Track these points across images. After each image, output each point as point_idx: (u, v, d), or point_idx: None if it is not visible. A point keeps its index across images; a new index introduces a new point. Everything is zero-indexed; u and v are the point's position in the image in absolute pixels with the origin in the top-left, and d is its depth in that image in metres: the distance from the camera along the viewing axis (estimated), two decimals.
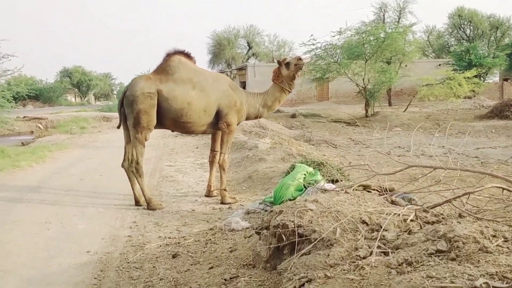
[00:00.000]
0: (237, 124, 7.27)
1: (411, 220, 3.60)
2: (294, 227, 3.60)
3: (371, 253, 3.12)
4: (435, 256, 2.88)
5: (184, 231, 5.59)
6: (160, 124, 6.86)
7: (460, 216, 3.76)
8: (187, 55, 7.03)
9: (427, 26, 48.87)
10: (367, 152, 13.61)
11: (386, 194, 5.75)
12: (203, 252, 4.68)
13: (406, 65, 30.79)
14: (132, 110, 6.60)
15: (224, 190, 7.13)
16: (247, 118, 7.43)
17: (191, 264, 4.37)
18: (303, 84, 30.11)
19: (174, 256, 4.61)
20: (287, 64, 7.12)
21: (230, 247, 4.64)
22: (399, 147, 16.90)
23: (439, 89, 26.18)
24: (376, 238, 3.33)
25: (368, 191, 5.76)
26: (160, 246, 5.03)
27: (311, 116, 28.37)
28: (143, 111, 6.57)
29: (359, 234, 3.42)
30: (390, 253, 3.06)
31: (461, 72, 27.70)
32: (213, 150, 7.59)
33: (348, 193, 4.35)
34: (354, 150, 15.38)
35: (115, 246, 5.14)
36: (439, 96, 26.46)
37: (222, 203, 7.08)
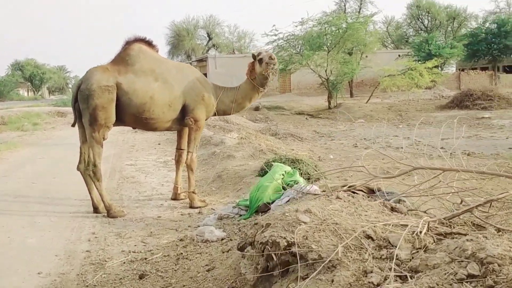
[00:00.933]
0: (205, 120, 6.62)
1: (420, 232, 3.09)
2: (287, 244, 3.02)
3: (385, 278, 2.58)
4: (467, 282, 2.37)
5: (150, 243, 4.93)
6: (119, 120, 6.14)
7: (475, 225, 3.28)
8: (149, 43, 6.32)
9: (386, 17, 49.44)
10: (353, 149, 13.23)
11: (373, 195, 5.28)
12: (175, 270, 4.04)
13: (366, 56, 30.77)
14: (88, 106, 5.85)
15: (193, 192, 6.49)
16: (215, 114, 6.79)
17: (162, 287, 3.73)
18: None
19: (141, 277, 3.95)
20: (260, 60, 6.38)
21: (206, 264, 4.02)
22: (364, 139, 16.54)
23: (401, 80, 26.23)
24: (386, 258, 2.80)
25: (353, 192, 5.29)
26: (124, 263, 4.36)
27: (274, 108, 27.97)
28: (100, 107, 5.83)
29: (365, 253, 2.88)
30: (408, 278, 2.53)
31: (422, 62, 27.80)
32: (179, 148, 6.92)
33: (341, 199, 3.80)
34: (320, 143, 15.01)
35: (71, 265, 4.42)
36: (401, 86, 26.53)
37: (191, 207, 6.44)
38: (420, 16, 44.99)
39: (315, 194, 4.84)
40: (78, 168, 6.20)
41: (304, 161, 7.29)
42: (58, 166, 9.87)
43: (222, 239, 4.65)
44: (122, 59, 6.10)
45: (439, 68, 34.36)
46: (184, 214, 6.14)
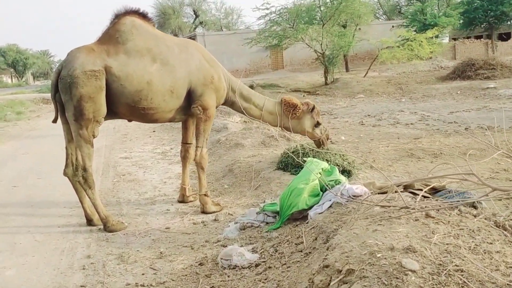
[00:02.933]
0: (216, 108, 5.49)
1: None
2: None
3: None
4: None
5: (162, 270, 3.86)
6: (111, 113, 4.99)
7: None
8: (143, 16, 5.12)
9: None
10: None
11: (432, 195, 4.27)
12: None
13: (359, 28, 29.54)
14: (71, 97, 4.69)
15: (205, 195, 5.40)
16: (225, 103, 5.71)
17: None
18: (258, 52, 28.41)
19: None
20: (312, 110, 5.89)
21: None
22: (368, 115, 15.64)
23: (400, 52, 25.06)
24: None
25: (412, 193, 4.25)
26: None
27: (269, 86, 26.77)
28: (86, 97, 4.67)
29: None
30: None
31: (422, 32, 26.64)
32: (185, 142, 5.82)
33: (433, 217, 2.75)
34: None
35: None
36: (401, 59, 25.38)
37: (203, 212, 5.37)
38: None
39: (374, 204, 3.81)
40: (65, 173, 5.07)
41: (330, 149, 6.23)
42: (44, 163, 8.72)
43: (256, 265, 3.59)
44: (111, 37, 4.91)
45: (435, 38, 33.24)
46: (197, 222, 5.06)
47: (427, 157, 7.80)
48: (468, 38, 42.11)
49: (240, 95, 5.66)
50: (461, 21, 36.15)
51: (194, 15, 48.20)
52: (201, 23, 48.18)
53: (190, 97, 5.22)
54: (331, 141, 9.85)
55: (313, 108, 5.90)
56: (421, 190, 4.24)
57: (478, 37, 42.41)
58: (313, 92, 24.51)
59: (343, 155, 6.31)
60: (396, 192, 4.16)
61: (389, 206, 3.13)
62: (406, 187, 4.25)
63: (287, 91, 25.83)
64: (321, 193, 4.40)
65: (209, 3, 49.06)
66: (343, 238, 2.71)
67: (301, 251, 3.47)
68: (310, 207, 4.31)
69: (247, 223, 4.72)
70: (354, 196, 4.09)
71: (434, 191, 4.28)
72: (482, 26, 38.65)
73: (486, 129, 10.38)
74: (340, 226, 3.36)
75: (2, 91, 40.23)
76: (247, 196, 5.80)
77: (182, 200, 5.87)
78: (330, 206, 4.17)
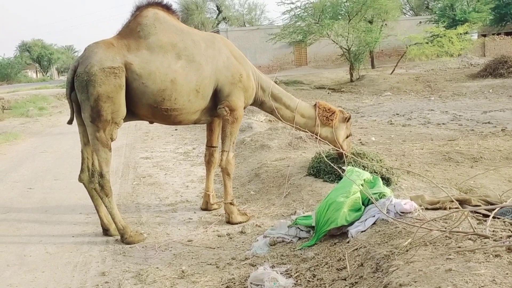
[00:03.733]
0: (244, 108, 5.03)
1: None
2: None
3: None
4: None
5: None
6: (131, 114, 4.57)
7: None
8: (167, 8, 4.67)
9: None
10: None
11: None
12: None
13: (386, 24, 28.72)
14: (88, 96, 4.28)
15: (231, 204, 4.95)
16: (254, 103, 5.24)
17: None
18: (281, 48, 27.88)
19: None
20: (348, 120, 5.50)
21: None
22: (397, 114, 15.08)
23: (430, 48, 24.23)
24: None
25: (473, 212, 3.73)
26: None
27: (292, 83, 26.25)
28: (104, 97, 4.26)
29: None
30: None
31: (452, 28, 25.72)
32: (210, 145, 5.38)
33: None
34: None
35: None
36: (430, 55, 24.54)
37: (228, 222, 4.93)
38: None
39: (422, 220, 3.31)
40: (80, 179, 4.67)
41: (366, 154, 5.72)
42: (62, 163, 8.40)
43: None
44: (132, 31, 4.49)
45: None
46: (222, 235, 4.62)
47: (466, 161, 7.25)
48: (498, 34, 40.81)
49: (271, 94, 5.18)
50: (492, 17, 34.94)
51: (217, 11, 47.84)
52: (224, 18, 47.80)
53: (217, 97, 4.77)
54: (361, 143, 9.34)
55: (349, 118, 5.42)
56: (479, 205, 3.74)
57: (508, 34, 41.05)
58: (338, 89, 23.90)
59: (380, 160, 5.81)
60: (450, 208, 3.67)
61: (456, 233, 2.62)
62: (462, 202, 3.74)
63: (311, 88, 25.30)
64: (363, 207, 3.91)
65: None
66: (404, 275, 2.23)
67: (345, 280, 3.00)
68: (350, 223, 3.84)
69: (277, 237, 4.26)
70: (402, 212, 3.59)
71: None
72: None
73: None
74: (392, 252, 2.87)
75: (27, 86, 40.46)
76: (276, 205, 5.33)
77: (206, 207, 5.44)
78: (374, 223, 3.69)
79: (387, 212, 3.61)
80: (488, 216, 3.43)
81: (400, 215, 3.58)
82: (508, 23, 37.67)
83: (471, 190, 5.81)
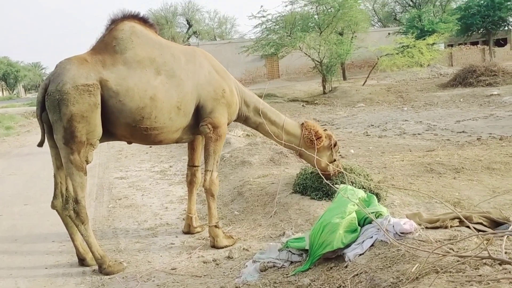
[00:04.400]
0: (227, 125, 4.78)
1: None
2: None
3: None
4: None
5: None
6: (108, 134, 4.27)
7: None
8: (144, 21, 4.42)
9: None
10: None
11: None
12: None
13: (356, 36, 29.05)
14: (61, 116, 3.96)
15: (216, 227, 4.67)
16: (237, 119, 5.00)
17: None
18: (254, 61, 27.77)
19: None
20: (334, 146, 5.28)
21: None
22: (372, 125, 15.12)
23: (400, 59, 24.54)
24: None
25: (468, 227, 3.55)
26: None
27: (266, 96, 26.10)
28: (78, 117, 3.95)
29: None
30: None
31: (422, 39, 26.14)
32: (191, 165, 5.09)
33: None
34: None
35: None
36: (401, 66, 24.84)
37: (214, 246, 4.65)
38: None
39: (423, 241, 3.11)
40: (53, 206, 4.32)
41: (353, 169, 5.53)
42: (33, 186, 7.96)
43: None
44: (107, 46, 4.20)
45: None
46: (208, 261, 4.33)
47: (448, 172, 7.17)
48: (464, 44, 41.84)
49: (255, 109, 4.95)
50: (458, 27, 35.80)
51: (188, 25, 47.64)
52: (194, 32, 47.61)
53: (199, 114, 4.51)
54: (341, 155, 9.20)
55: (335, 144, 5.23)
56: (481, 223, 3.57)
57: (474, 43, 42.13)
58: (312, 101, 23.93)
59: (367, 175, 5.63)
60: (451, 226, 3.49)
61: (469, 257, 2.42)
62: (462, 220, 3.56)
63: (284, 100, 25.25)
64: (359, 228, 3.69)
65: (203, 12, 48.49)
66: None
67: None
68: (347, 245, 3.61)
69: (267, 262, 4.00)
70: (402, 233, 3.39)
71: (495, 224, 3.60)
72: (479, 32, 38.33)
73: (499, 139, 9.81)
74: (399, 279, 2.66)
75: None
76: (263, 225, 5.07)
77: (188, 231, 5.14)
78: (372, 245, 3.47)
79: (386, 233, 3.40)
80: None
81: (399, 235, 3.37)
82: (473, 33, 38.64)
83: (459, 202, 5.69)
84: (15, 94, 68.90)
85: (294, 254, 4.01)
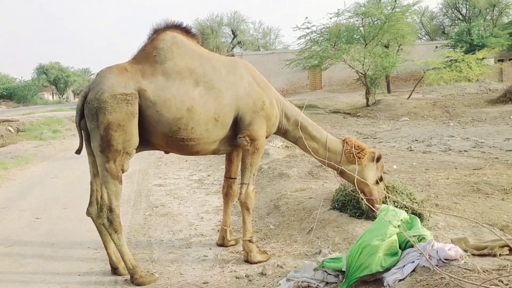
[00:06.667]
0: (266, 138, 4.68)
1: None
2: None
3: None
4: None
5: None
6: (144, 143, 4.25)
7: None
8: (186, 31, 4.39)
9: (419, 7, 46.56)
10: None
11: None
12: None
13: (402, 49, 28.47)
14: (98, 124, 3.97)
15: (250, 241, 4.56)
16: (277, 132, 4.88)
17: None
18: (296, 72, 27.66)
19: None
20: (378, 160, 4.96)
21: None
22: (416, 140, 14.66)
23: (448, 73, 23.85)
24: None
25: None
26: None
27: (307, 107, 25.90)
28: (115, 125, 3.95)
29: None
30: None
31: (471, 53, 25.35)
32: (228, 177, 5.01)
33: None
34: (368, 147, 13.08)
35: None
36: (448, 80, 24.13)
37: (247, 261, 4.54)
38: (457, 4, 42.08)
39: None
40: (88, 213, 4.33)
41: (395, 187, 5.30)
42: (73, 190, 8.10)
43: None
44: (147, 55, 4.19)
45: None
46: (241, 276, 4.22)
47: (496, 193, 6.80)
48: None
49: (295, 123, 4.82)
50: (509, 42, 34.58)
51: (232, 35, 48.12)
52: (239, 42, 48.02)
53: (237, 126, 4.43)
54: (383, 172, 8.92)
55: (379, 158, 4.98)
56: None
57: None
58: (354, 113, 23.58)
59: (410, 193, 5.39)
60: (500, 255, 3.25)
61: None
62: None
63: (326, 112, 24.95)
64: (400, 251, 3.50)
65: (248, 23, 48.80)
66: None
67: None
68: (386, 269, 3.42)
69: (302, 281, 3.85)
70: (446, 259, 3.18)
71: None
72: None
73: None
74: None
75: (43, 108, 40.64)
76: (298, 242, 4.92)
77: (222, 243, 5.05)
78: (413, 271, 3.28)
79: (429, 258, 3.20)
80: None
81: (444, 262, 3.17)
82: None
83: (507, 226, 5.36)
84: (64, 98, 71.28)
85: (330, 274, 3.84)
